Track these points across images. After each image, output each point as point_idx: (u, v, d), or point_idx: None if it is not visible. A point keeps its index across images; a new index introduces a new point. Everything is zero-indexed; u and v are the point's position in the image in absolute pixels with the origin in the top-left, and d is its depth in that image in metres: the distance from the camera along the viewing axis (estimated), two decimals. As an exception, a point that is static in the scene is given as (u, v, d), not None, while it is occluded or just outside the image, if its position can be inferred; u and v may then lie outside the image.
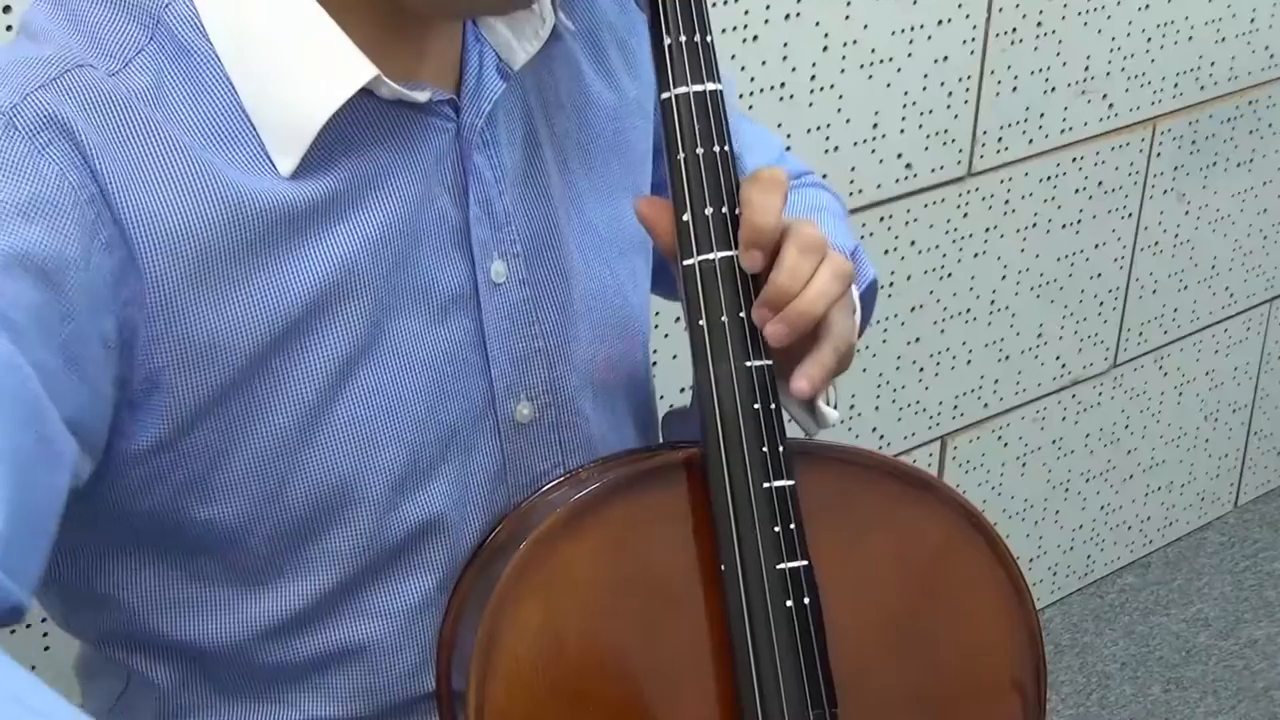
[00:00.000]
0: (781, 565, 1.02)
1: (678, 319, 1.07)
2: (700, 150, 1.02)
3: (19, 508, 0.85)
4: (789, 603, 1.02)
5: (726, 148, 1.03)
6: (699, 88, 1.02)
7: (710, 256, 1.02)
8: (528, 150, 1.10)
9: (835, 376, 1.09)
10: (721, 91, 1.03)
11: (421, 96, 1.02)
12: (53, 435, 0.90)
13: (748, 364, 1.02)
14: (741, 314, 1.02)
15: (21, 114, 0.91)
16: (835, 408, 1.14)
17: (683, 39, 1.02)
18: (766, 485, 1.01)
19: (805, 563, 1.02)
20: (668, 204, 1.04)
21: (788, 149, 1.38)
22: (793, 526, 1.02)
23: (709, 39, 1.03)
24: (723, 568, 1.02)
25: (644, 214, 1.05)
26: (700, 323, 1.02)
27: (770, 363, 1.03)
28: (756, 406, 1.02)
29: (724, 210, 1.02)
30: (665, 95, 1.03)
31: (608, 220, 1.15)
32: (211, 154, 0.96)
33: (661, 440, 1.26)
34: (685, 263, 1.02)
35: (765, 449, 1.01)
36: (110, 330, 0.94)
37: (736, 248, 1.02)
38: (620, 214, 1.16)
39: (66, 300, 0.91)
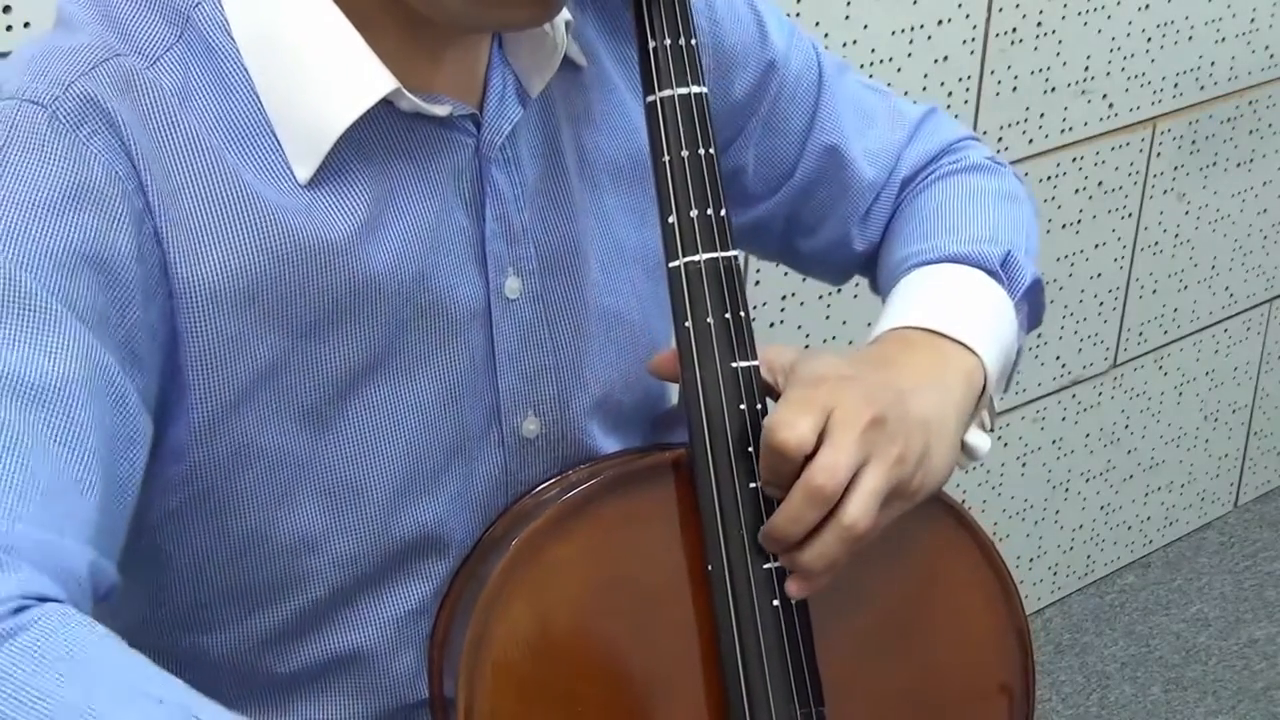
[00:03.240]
0: (768, 564, 1.02)
1: (678, 318, 1.06)
2: (685, 153, 1.02)
3: (112, 492, 0.88)
4: (775, 602, 1.02)
5: (711, 150, 1.03)
6: (684, 90, 1.03)
7: (696, 259, 1.02)
8: (550, 167, 1.10)
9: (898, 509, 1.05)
10: (706, 94, 1.04)
11: (441, 110, 1.02)
12: (135, 416, 0.92)
13: (733, 365, 1.02)
14: (727, 315, 1.02)
15: (64, 105, 0.92)
16: (991, 430, 1.13)
17: (667, 42, 1.02)
18: (752, 485, 1.02)
19: (792, 562, 1.03)
20: (672, 355, 1.04)
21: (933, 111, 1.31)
22: (779, 526, 1.03)
23: (693, 42, 1.03)
24: (709, 567, 1.02)
25: (655, 372, 1.09)
26: (686, 324, 1.02)
27: (756, 363, 1.03)
28: (742, 407, 1.02)
29: (709, 212, 1.02)
30: (650, 98, 1.03)
31: (636, 241, 1.15)
32: (234, 156, 0.97)
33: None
34: (671, 265, 1.03)
35: (751, 449, 1.02)
36: (158, 319, 0.95)
37: (722, 250, 1.02)
38: (650, 236, 1.14)
39: (124, 290, 0.92)
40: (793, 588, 1.01)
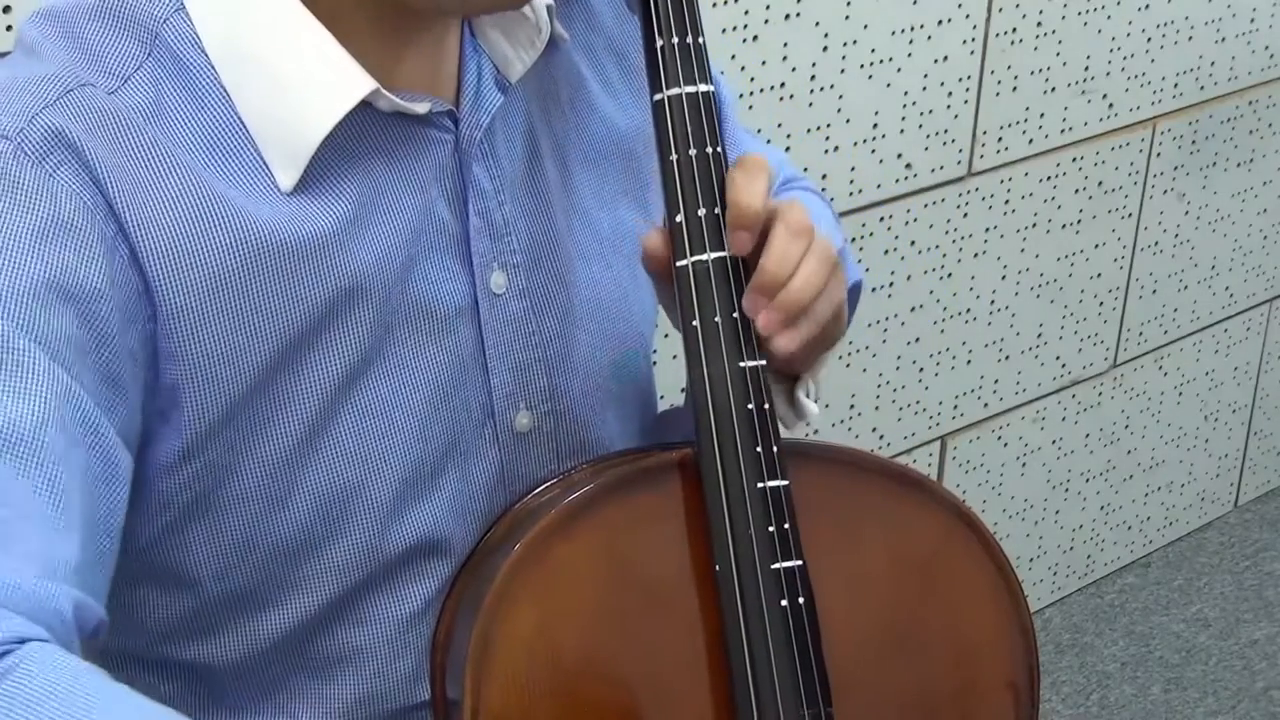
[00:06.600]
0: (776, 565, 1.02)
1: (678, 318, 1.07)
2: (693, 152, 1.02)
3: (93, 530, 0.87)
4: (783, 603, 1.02)
5: (719, 149, 1.03)
6: (691, 89, 1.02)
7: (703, 258, 1.02)
8: (528, 159, 1.10)
9: (821, 350, 1.09)
10: (714, 93, 1.03)
11: (421, 108, 1.01)
12: (112, 452, 0.91)
13: (741, 364, 1.02)
14: (734, 314, 1.02)
15: (29, 137, 0.92)
16: (816, 400, 1.14)
17: (675, 40, 1.02)
18: (760, 485, 1.01)
19: (799, 563, 1.02)
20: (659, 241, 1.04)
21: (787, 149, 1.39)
22: (787, 526, 1.02)
23: (701, 40, 1.03)
24: (717, 568, 1.02)
25: (646, 252, 1.07)
26: (694, 323, 1.02)
27: (764, 363, 1.03)
28: (750, 407, 1.02)
29: (716, 211, 1.02)
30: (658, 97, 1.03)
31: (611, 226, 1.15)
32: (212, 173, 0.96)
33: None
34: (678, 264, 1.02)
35: (759, 449, 1.01)
36: (137, 344, 0.94)
37: (729, 249, 1.02)
38: (624, 219, 1.15)
39: (101, 320, 0.91)
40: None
